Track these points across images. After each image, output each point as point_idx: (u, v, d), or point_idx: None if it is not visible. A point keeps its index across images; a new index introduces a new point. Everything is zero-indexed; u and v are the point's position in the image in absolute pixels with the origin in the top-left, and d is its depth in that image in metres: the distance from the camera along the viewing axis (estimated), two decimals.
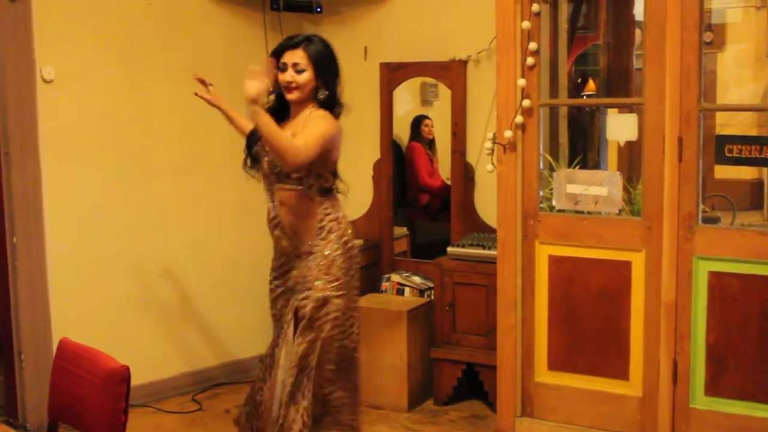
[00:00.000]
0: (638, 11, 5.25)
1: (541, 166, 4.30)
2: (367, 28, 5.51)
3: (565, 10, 5.21)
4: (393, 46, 5.40)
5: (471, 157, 5.21)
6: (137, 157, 4.96)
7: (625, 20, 5.54)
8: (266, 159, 3.61)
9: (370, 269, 5.18)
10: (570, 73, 5.37)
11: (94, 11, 4.72)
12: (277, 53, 3.59)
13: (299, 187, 3.58)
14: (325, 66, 3.57)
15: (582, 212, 4.24)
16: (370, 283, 5.25)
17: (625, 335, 4.11)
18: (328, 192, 3.66)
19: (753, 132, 5.61)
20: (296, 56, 3.54)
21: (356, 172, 5.06)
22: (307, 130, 3.47)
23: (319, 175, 3.58)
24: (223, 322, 5.39)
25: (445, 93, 5.31)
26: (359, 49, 5.48)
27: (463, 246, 4.89)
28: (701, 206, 3.97)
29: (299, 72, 3.52)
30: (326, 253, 3.59)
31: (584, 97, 5.55)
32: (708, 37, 5.56)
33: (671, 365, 4.00)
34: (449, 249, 4.95)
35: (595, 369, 4.20)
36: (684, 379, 3.98)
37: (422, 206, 5.81)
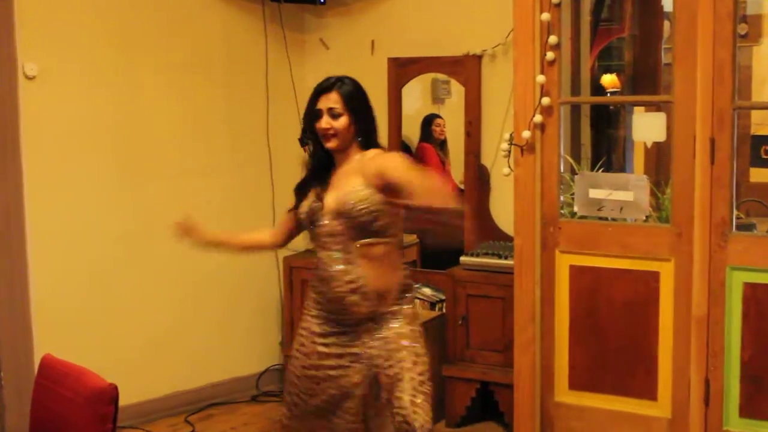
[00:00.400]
0: (667, 2, 5.24)
1: (562, 169, 4.30)
2: (375, 20, 5.51)
3: (587, 1, 5.21)
4: (402, 40, 5.40)
5: (486, 160, 5.21)
6: (128, 159, 4.97)
7: (652, 11, 5.54)
8: (325, 217, 3.36)
9: None
10: (593, 69, 5.37)
11: (82, 3, 4.74)
12: (310, 100, 3.46)
13: (387, 239, 3.32)
14: (361, 106, 3.42)
15: (606, 219, 4.23)
16: None
17: (653, 352, 4.10)
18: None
19: None
20: (331, 100, 3.39)
21: None
22: (396, 169, 3.20)
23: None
24: (218, 338, 5.39)
25: (458, 90, 5.32)
26: (366, 43, 5.49)
27: (478, 255, 4.88)
28: (735, 212, 3.96)
29: (335, 117, 3.36)
30: (409, 310, 3.40)
31: (608, 95, 5.54)
32: (743, 29, 5.55)
33: (703, 384, 3.99)
34: (462, 258, 4.94)
35: (620, 388, 4.19)
36: (717, 400, 3.97)
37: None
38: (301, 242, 5.61)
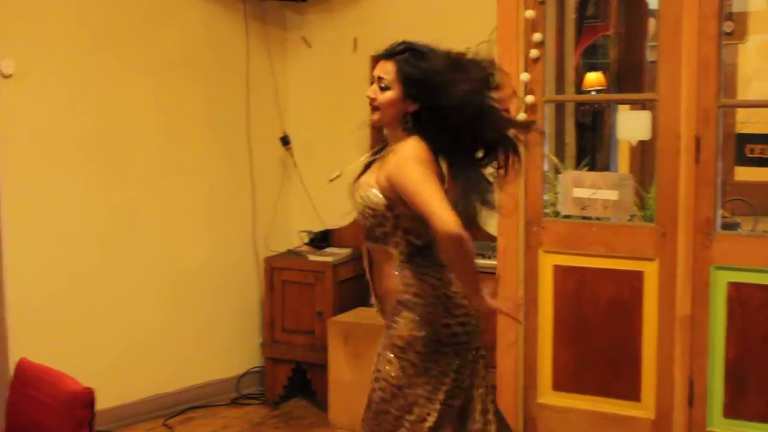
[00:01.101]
0: None
1: (546, 168, 4.31)
2: (357, 17, 5.51)
3: None
4: (384, 38, 5.30)
5: None
6: (107, 158, 4.95)
7: (637, 9, 5.56)
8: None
9: (358, 281, 5.17)
10: (577, 67, 5.38)
11: (52, 4, 4.71)
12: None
13: (389, 248, 3.08)
14: (422, 85, 2.98)
15: (590, 218, 4.24)
16: (358, 296, 5.24)
17: (637, 352, 4.11)
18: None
19: None
20: (384, 69, 3.02)
21: (344, 175, 5.06)
22: (411, 194, 2.86)
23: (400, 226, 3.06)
24: (198, 340, 5.37)
25: None
26: (348, 40, 5.48)
27: None
28: (720, 211, 3.98)
29: (383, 89, 3.00)
30: (403, 333, 3.09)
31: (593, 93, 5.56)
32: (728, 26, 5.57)
33: (687, 385, 4.00)
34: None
35: (604, 389, 4.20)
36: (701, 400, 3.98)
37: None
38: (282, 243, 5.65)
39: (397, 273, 3.05)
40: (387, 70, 3.00)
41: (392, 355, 3.03)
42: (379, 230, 3.04)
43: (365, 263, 3.18)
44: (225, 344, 5.49)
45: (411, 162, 2.90)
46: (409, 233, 3.01)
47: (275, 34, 5.60)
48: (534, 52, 4.17)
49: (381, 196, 2.98)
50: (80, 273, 4.85)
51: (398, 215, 2.98)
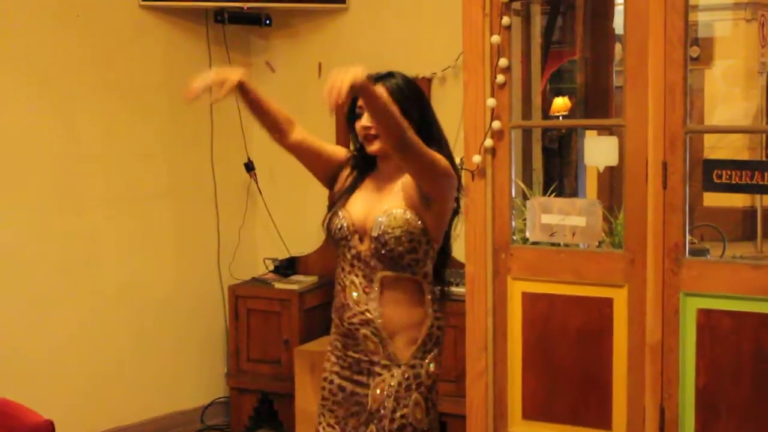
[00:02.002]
0: (618, 24, 5.31)
1: (514, 194, 4.32)
2: (322, 42, 5.52)
3: (538, 23, 5.26)
4: (350, 63, 5.39)
5: None
6: (67, 184, 4.92)
7: (603, 34, 5.61)
8: (354, 237, 2.97)
9: (324, 309, 5.14)
10: (544, 92, 5.41)
11: (11, 23, 4.68)
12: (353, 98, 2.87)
13: (416, 276, 2.96)
14: (412, 105, 2.94)
15: (558, 245, 4.25)
16: (325, 324, 5.19)
17: (607, 380, 4.12)
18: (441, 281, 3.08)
19: (744, 156, 5.69)
20: None
21: (310, 202, 5.06)
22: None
23: (430, 252, 2.97)
24: (161, 370, 5.34)
25: None
26: (313, 65, 5.48)
27: None
28: (688, 237, 4.00)
29: None
30: (430, 370, 3.00)
31: (560, 118, 5.59)
32: (694, 52, 5.65)
33: (658, 412, 4.01)
34: None
35: (574, 417, 4.19)
36: (672, 428, 3.99)
37: None
38: (246, 270, 5.62)
39: (422, 305, 2.97)
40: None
41: (421, 397, 2.93)
42: (410, 257, 2.90)
43: (373, 304, 2.94)
44: (189, 374, 5.45)
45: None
46: (426, 263, 2.96)
47: (238, 59, 5.59)
48: (500, 78, 4.19)
49: (413, 212, 2.89)
50: (38, 302, 4.81)
51: (430, 240, 2.93)
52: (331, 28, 5.49)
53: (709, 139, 5.40)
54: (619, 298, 4.07)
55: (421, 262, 2.94)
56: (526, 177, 4.96)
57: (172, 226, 5.36)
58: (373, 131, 2.89)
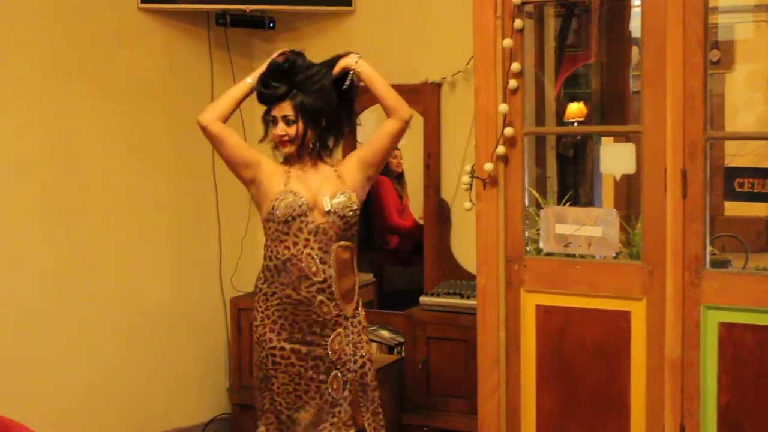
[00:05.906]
0: (635, 27, 5.29)
1: (527, 204, 4.31)
2: (327, 46, 5.47)
3: (552, 26, 5.24)
4: None
5: (446, 194, 5.21)
6: (62, 191, 4.93)
7: (620, 37, 5.58)
8: (312, 214, 3.74)
9: None
10: (558, 97, 5.40)
11: (14, 24, 4.70)
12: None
13: (351, 244, 3.82)
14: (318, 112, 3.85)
15: (573, 256, 4.24)
16: None
17: (625, 396, 4.10)
18: None
19: (766, 163, 5.65)
20: (284, 109, 3.79)
21: None
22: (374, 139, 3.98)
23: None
24: (159, 385, 5.33)
25: (416, 120, 5.31)
26: None
27: (438, 295, 4.87)
28: (709, 248, 3.98)
29: (289, 124, 3.80)
30: (363, 314, 3.93)
31: (575, 125, 5.57)
32: (714, 56, 5.62)
33: (678, 430, 3.99)
34: (422, 298, 4.92)
35: None
36: None
37: (391, 249, 5.80)
38: (248, 283, 5.60)
39: (353, 266, 3.81)
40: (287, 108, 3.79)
41: (367, 337, 3.87)
42: (354, 229, 3.77)
43: (329, 271, 3.70)
44: (190, 390, 5.45)
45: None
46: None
47: (241, 63, 5.60)
48: (512, 83, 4.18)
49: (358, 194, 3.79)
50: (32, 312, 4.81)
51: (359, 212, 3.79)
52: (337, 32, 5.49)
53: (730, 146, 5.35)
54: (637, 312, 4.06)
55: (355, 231, 3.79)
56: (540, 185, 4.94)
57: (173, 236, 5.36)
58: (286, 137, 3.73)
